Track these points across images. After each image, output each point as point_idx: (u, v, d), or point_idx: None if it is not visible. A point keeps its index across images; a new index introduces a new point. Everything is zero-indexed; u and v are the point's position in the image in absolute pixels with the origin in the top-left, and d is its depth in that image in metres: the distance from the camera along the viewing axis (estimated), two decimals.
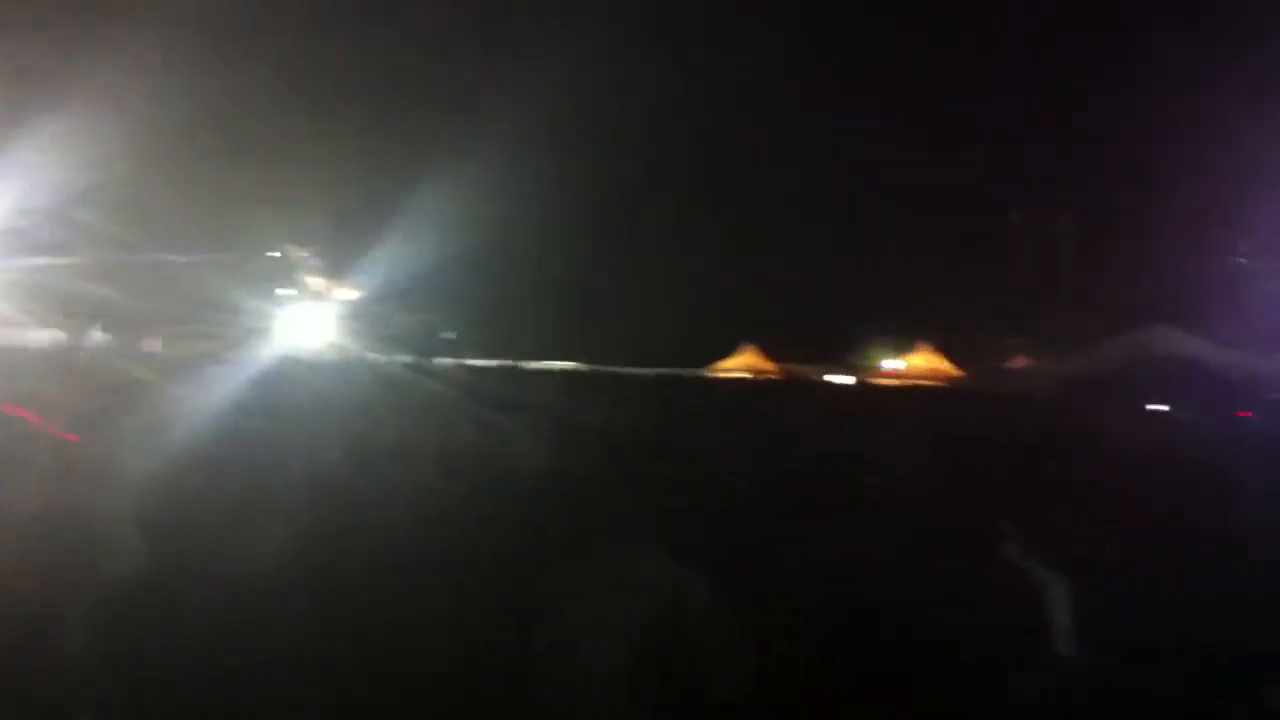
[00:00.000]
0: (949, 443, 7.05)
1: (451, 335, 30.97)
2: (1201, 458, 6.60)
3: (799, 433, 8.22)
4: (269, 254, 33.27)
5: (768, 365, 31.02)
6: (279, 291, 32.02)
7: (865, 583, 3.92)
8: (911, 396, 16.37)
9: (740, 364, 31.41)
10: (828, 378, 27.13)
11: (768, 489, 5.41)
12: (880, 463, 6.23)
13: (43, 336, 21.67)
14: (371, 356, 22.71)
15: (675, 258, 35.78)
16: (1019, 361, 27.54)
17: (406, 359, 19.80)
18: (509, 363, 22.81)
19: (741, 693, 3.63)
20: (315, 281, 34.47)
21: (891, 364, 33.22)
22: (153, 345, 21.82)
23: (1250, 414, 12.21)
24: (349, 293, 33.55)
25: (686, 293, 35.02)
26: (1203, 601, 4.01)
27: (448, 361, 20.69)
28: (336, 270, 34.14)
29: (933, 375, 29.41)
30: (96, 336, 23.52)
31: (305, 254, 34.57)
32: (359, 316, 30.85)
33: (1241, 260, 35.78)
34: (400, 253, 28.71)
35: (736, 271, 35.73)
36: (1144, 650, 3.74)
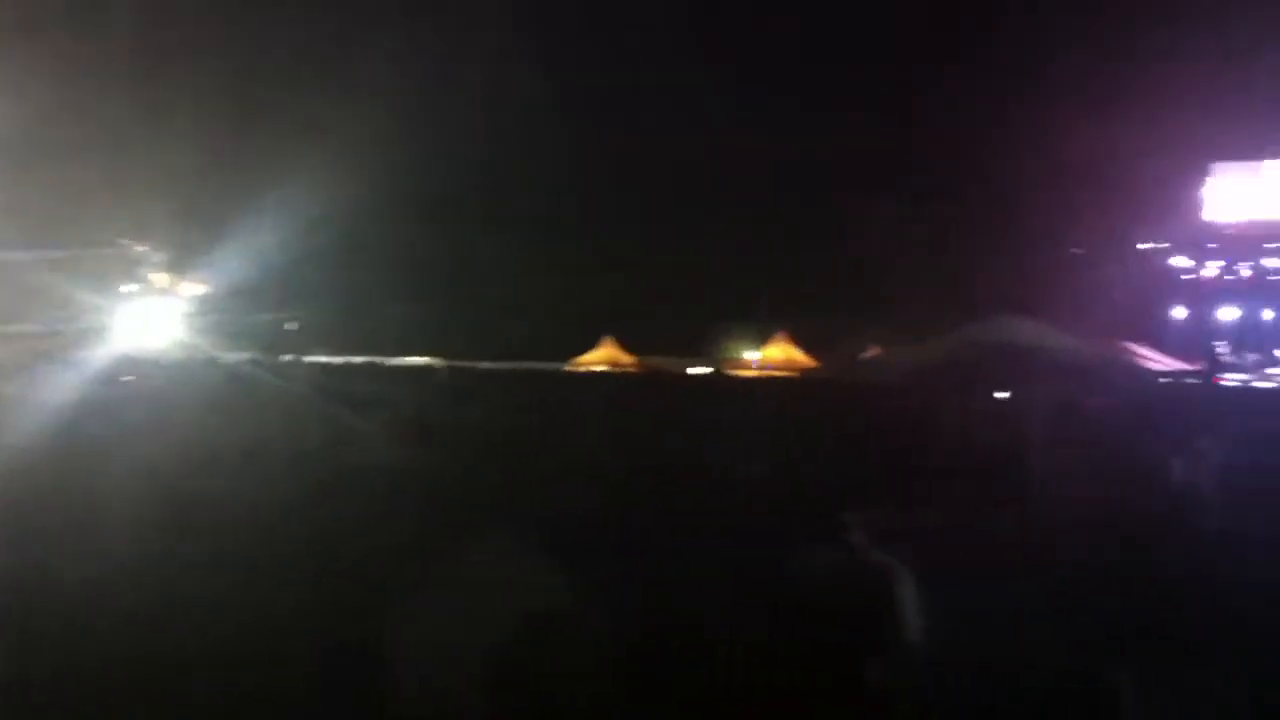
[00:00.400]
0: (796, 431, 7.11)
1: (294, 326, 30.15)
2: (1040, 441, 6.75)
3: (651, 427, 8.23)
4: (108, 248, 31.85)
5: (627, 359, 31.08)
6: (120, 288, 30.71)
7: (711, 573, 3.94)
8: (765, 387, 16.55)
9: (600, 357, 31.40)
10: (689, 370, 27.28)
11: (619, 482, 5.40)
12: (730, 453, 6.28)
13: None
14: (219, 355, 22.00)
15: (536, 251, 35.61)
16: (871, 351, 28.08)
17: (256, 357, 19.22)
18: (366, 359, 22.41)
19: (598, 685, 3.58)
20: (159, 277, 33.22)
21: (750, 355, 33.58)
22: None
23: (1097, 399, 12.65)
24: (195, 288, 32.44)
25: (547, 287, 34.88)
26: (1041, 582, 4.07)
27: (301, 359, 20.22)
28: (182, 265, 32.97)
29: (789, 365, 29.82)
30: None
31: (147, 248, 33.22)
32: (206, 313, 29.84)
33: (1079, 250, 37.28)
34: (251, 246, 27.83)
35: (597, 265, 35.74)
36: (987, 631, 3.76)
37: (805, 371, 28.25)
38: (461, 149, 33.40)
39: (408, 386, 12.52)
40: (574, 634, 3.67)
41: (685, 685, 3.56)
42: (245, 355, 19.77)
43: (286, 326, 29.54)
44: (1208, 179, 38.68)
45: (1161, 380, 20.89)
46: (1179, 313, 36.63)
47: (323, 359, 20.36)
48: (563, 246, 35.70)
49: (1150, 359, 25.07)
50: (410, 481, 5.62)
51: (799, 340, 31.83)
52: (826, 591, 3.65)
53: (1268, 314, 36.09)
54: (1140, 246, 38.59)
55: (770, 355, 31.83)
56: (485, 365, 21.77)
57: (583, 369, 29.02)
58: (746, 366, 31.57)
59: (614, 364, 30.28)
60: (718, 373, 25.85)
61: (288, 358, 19.92)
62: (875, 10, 35.24)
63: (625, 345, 31.88)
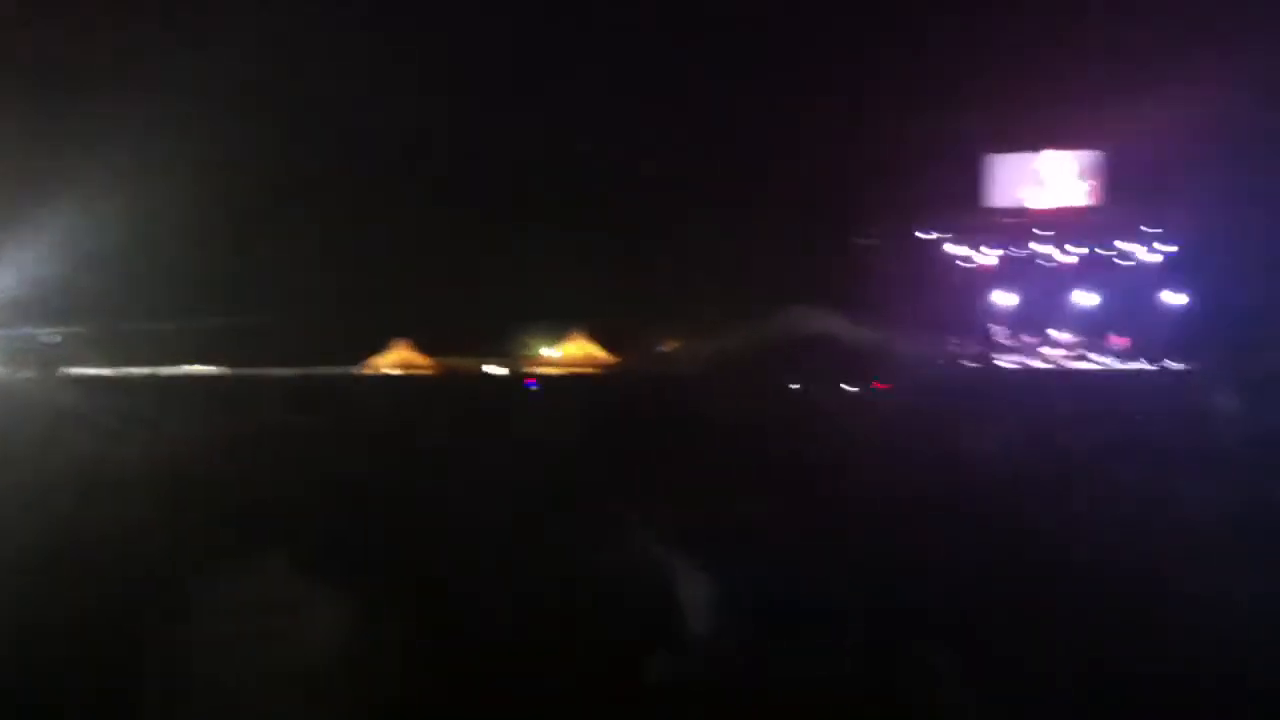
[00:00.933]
0: (585, 428, 6.97)
1: (56, 339, 28.35)
2: (830, 429, 6.77)
3: (438, 429, 7.96)
4: None
5: (422, 360, 30.45)
6: None
7: (493, 575, 3.80)
8: (561, 383, 16.36)
9: (393, 360, 30.69)
10: (486, 369, 26.94)
11: (394, 488, 5.15)
12: (516, 452, 6.08)
13: None
14: None
15: (323, 252, 34.42)
16: (669, 345, 28.26)
17: (14, 373, 17.97)
18: (140, 370, 21.28)
19: (383, 693, 3.40)
20: None
21: (549, 352, 33.40)
22: None
23: (885, 385, 12.88)
24: None
25: (337, 287, 33.74)
26: (836, 571, 3.97)
27: (68, 372, 19.02)
28: None
29: (587, 362, 29.76)
30: None
31: None
32: None
33: (864, 241, 38.34)
34: (16, 256, 26.08)
35: (388, 265, 34.70)
36: (774, 624, 3.63)
37: (603, 367, 28.25)
38: (246, 148, 32.09)
39: (180, 398, 11.81)
40: (352, 645, 3.52)
41: (471, 688, 3.46)
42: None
43: (44, 339, 27.71)
44: (985, 169, 40.27)
45: (943, 364, 21.58)
46: (959, 299, 38.01)
47: (89, 371, 19.17)
48: (355, 245, 34.58)
49: (933, 344, 25.94)
50: (165, 504, 5.15)
51: (598, 336, 31.82)
52: (609, 589, 3.51)
53: (1041, 298, 37.77)
54: (922, 235, 39.89)
55: (569, 352, 31.71)
56: (272, 372, 20.98)
57: (373, 372, 28.31)
58: (545, 364, 31.35)
59: (407, 366, 29.64)
60: (514, 372, 25.57)
61: (55, 372, 18.70)
62: (665, 6, 35.40)
63: (420, 346, 31.24)
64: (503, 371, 26.45)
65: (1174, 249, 38.27)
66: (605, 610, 3.49)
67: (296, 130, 32.22)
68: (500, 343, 32.85)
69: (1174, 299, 36.84)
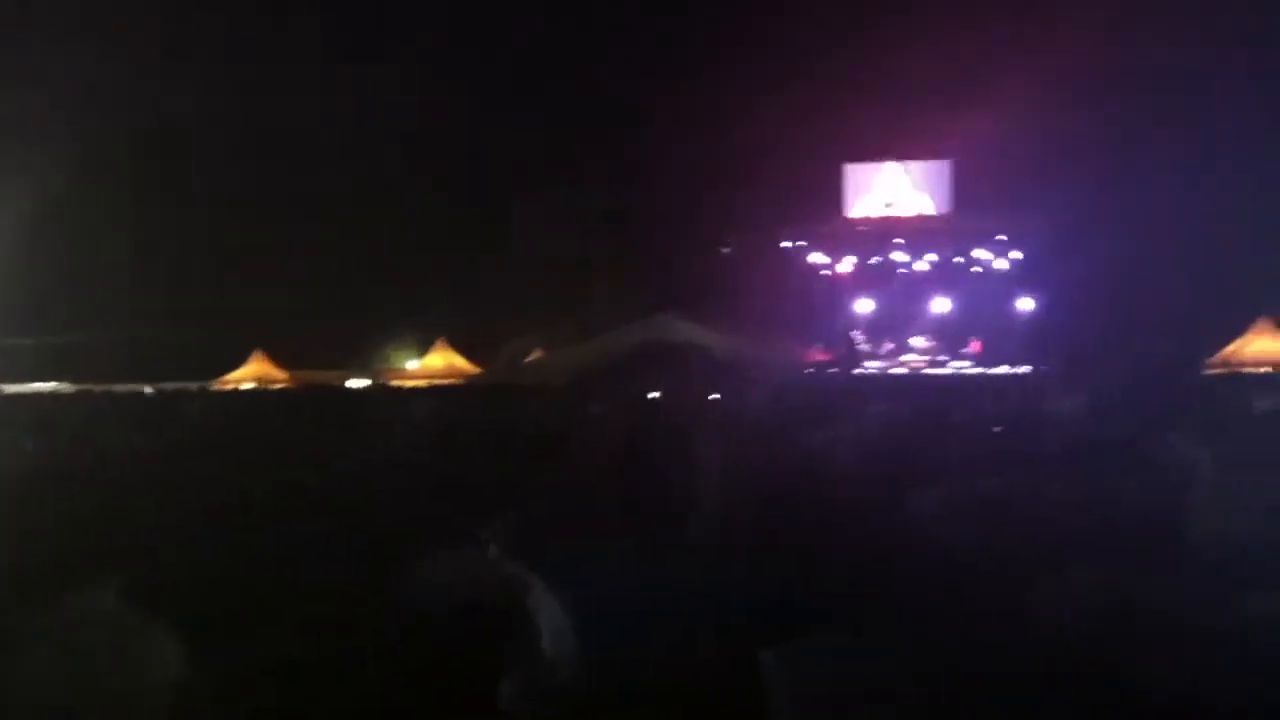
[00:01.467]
0: (441, 441, 6.86)
1: None
2: (690, 439, 6.74)
3: (289, 445, 7.72)
4: None
5: (279, 374, 29.73)
6: None
7: (343, 594, 3.50)
8: (422, 396, 16.11)
9: (250, 374, 29.90)
10: (348, 383, 26.45)
11: (240, 508, 4.95)
12: (369, 467, 5.94)
13: None
14: None
15: (175, 262, 33.31)
16: (534, 354, 28.12)
17: None
18: None
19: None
20: None
21: (412, 364, 32.99)
22: None
23: (746, 392, 12.96)
24: None
25: (193, 299, 32.68)
26: (688, 579, 3.96)
27: None
28: None
29: (450, 373, 29.43)
30: None
31: None
32: None
33: (727, 249, 38.74)
34: None
35: (245, 274, 33.74)
36: (631, 634, 3.49)
37: (466, 378, 27.97)
38: (89, 149, 30.91)
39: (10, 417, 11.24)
40: (194, 668, 3.14)
41: (322, 708, 3.24)
42: None
43: None
44: (843, 179, 41.03)
45: (805, 371, 21.88)
46: (820, 306, 38.64)
47: None
48: (208, 254, 33.53)
49: (795, 351, 26.30)
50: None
51: (460, 346, 31.49)
52: (460, 605, 3.31)
53: (898, 305, 38.62)
54: (784, 244, 40.45)
55: (431, 363, 31.31)
56: (119, 388, 20.26)
57: (229, 387, 27.53)
58: (407, 375, 30.93)
59: (264, 380, 28.92)
60: (376, 384, 25.13)
61: None
62: (526, 6, 35.22)
63: (278, 359, 30.50)
64: (364, 384, 25.96)
65: (1023, 256, 39.50)
66: (457, 632, 3.29)
67: (142, 135, 31.16)
68: (361, 354, 32.31)
69: (1024, 305, 38.04)
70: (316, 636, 3.74)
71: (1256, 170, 31.24)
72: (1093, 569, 3.96)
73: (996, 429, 6.05)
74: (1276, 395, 10.35)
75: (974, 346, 35.70)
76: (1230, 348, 28.70)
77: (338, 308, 33.28)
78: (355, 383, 26.75)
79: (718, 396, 12.34)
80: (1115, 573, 3.94)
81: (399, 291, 33.80)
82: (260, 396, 21.12)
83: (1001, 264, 39.95)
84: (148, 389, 19.71)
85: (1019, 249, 39.57)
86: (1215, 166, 32.48)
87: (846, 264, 40.64)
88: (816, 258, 40.68)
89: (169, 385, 22.70)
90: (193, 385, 25.21)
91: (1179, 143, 32.53)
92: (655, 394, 12.64)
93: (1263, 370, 22.62)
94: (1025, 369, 27.24)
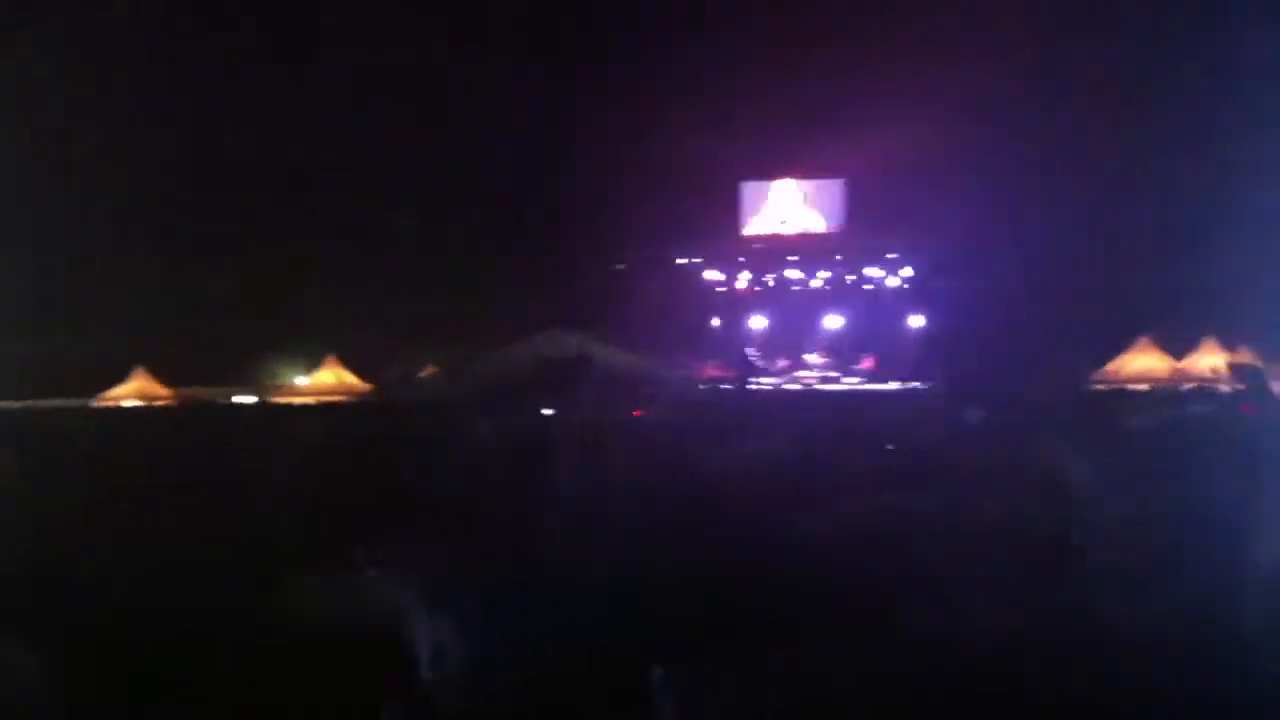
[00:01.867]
0: (319, 461, 6.65)
1: None
2: (581, 456, 6.69)
3: (163, 465, 7.43)
4: None
5: (162, 391, 28.88)
6: None
7: (219, 618, 3.46)
8: (304, 415, 15.73)
9: (132, 390, 29.00)
10: (234, 400, 25.82)
11: (118, 536, 4.74)
12: (245, 489, 5.74)
13: None
14: None
15: (57, 276, 32.05)
16: (426, 371, 27.75)
17: None
18: None
19: None
20: None
21: (300, 380, 32.35)
22: None
23: (640, 410, 12.86)
24: None
25: (74, 314, 31.46)
26: (568, 604, 3.82)
27: None
28: None
29: (340, 390, 28.91)
30: None
31: None
32: None
33: (622, 266, 38.77)
34: None
35: (128, 289, 32.58)
36: (510, 663, 3.52)
37: (356, 395, 27.48)
38: None
39: None
40: (60, 689, 3.20)
41: None
42: None
43: None
44: (739, 197, 41.34)
45: (701, 387, 21.91)
46: (715, 323, 38.88)
47: None
48: (92, 267, 32.30)
49: (689, 368, 26.35)
50: None
51: (350, 362, 30.93)
52: (340, 630, 3.20)
53: (793, 321, 38.98)
54: (679, 261, 40.62)
55: (321, 380, 30.70)
56: None
57: (110, 404, 26.67)
58: (297, 392, 30.29)
59: (147, 397, 28.07)
60: (262, 402, 24.55)
61: None
62: (431, 22, 34.85)
63: (160, 376, 29.60)
64: (251, 401, 25.35)
65: (914, 273, 40.19)
66: (336, 655, 3.16)
67: (13, 146, 30.07)
68: (249, 371, 31.57)
69: (916, 322, 38.68)
70: (189, 658, 3.60)
71: (1142, 192, 32.20)
72: (979, 583, 3.93)
73: (889, 446, 6.02)
74: (1156, 410, 10.59)
75: (867, 363, 36.17)
76: (1113, 364, 29.47)
77: (225, 323, 32.48)
78: (241, 399, 26.13)
79: (611, 413, 12.22)
80: (1002, 585, 3.92)
81: (288, 308, 33.13)
82: (140, 414, 20.48)
83: (893, 281, 40.60)
84: (17, 404, 18.98)
85: (910, 266, 40.26)
86: (1102, 187, 33.38)
87: (741, 281, 40.96)
88: (712, 274, 40.94)
89: (45, 403, 21.92)
90: (72, 402, 24.38)
91: (1066, 164, 33.37)
92: (547, 410, 12.51)
93: (1144, 387, 23.22)
94: (916, 385, 27.64)
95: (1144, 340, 29.98)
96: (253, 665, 3.22)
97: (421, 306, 32.43)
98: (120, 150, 31.30)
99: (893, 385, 29.57)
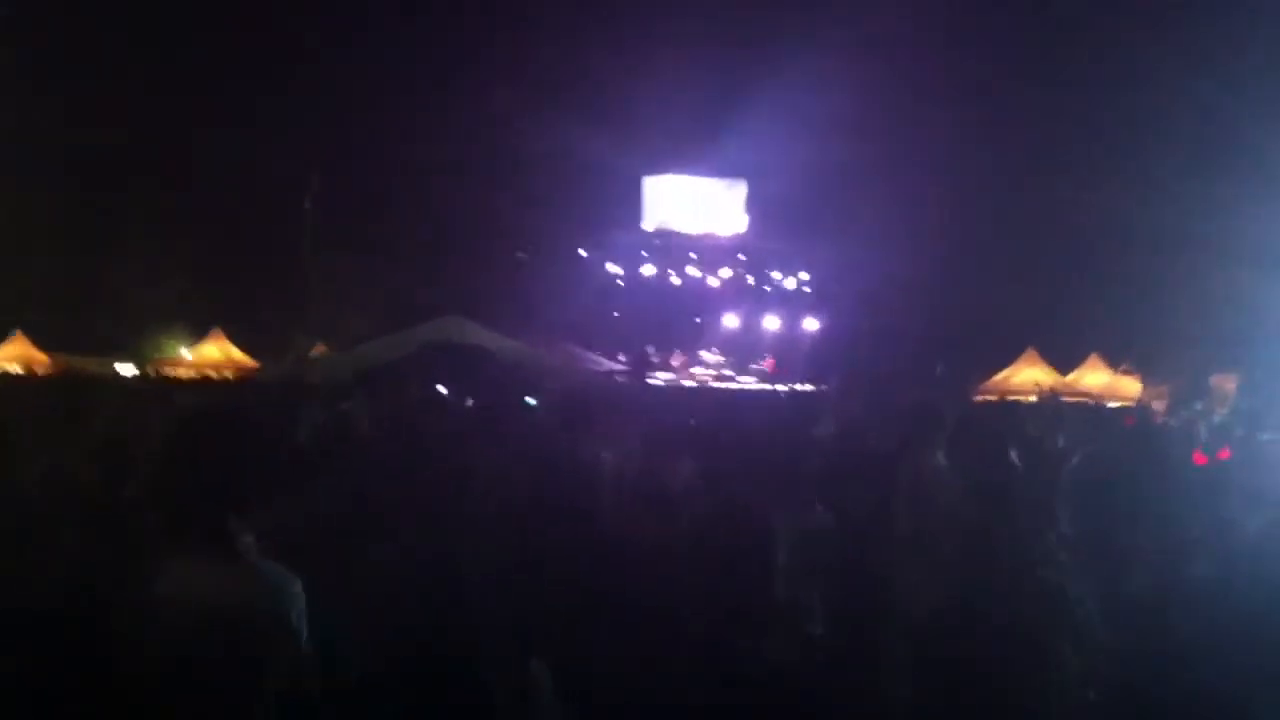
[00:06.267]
0: (192, 436, 6.55)
1: None
2: (471, 441, 6.79)
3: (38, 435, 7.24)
4: None
5: (40, 356, 27.96)
6: None
7: (97, 596, 3.72)
8: (190, 388, 15.41)
9: (9, 354, 28.05)
10: (117, 368, 25.15)
11: None
12: (113, 465, 5.65)
13: None
14: None
15: None
16: (316, 350, 27.33)
17: None
18: None
19: None
20: None
21: (184, 353, 31.63)
22: None
23: (528, 397, 12.82)
24: None
25: None
26: (448, 587, 3.86)
27: None
28: None
29: (226, 365, 28.31)
30: None
31: None
32: None
33: (523, 255, 38.66)
34: None
35: (10, 249, 31.50)
36: (390, 643, 3.53)
37: (243, 371, 26.93)
38: None
39: None
40: None
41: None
42: None
43: None
44: (641, 192, 41.43)
45: (596, 379, 21.90)
46: (614, 316, 38.87)
47: None
48: None
49: (586, 359, 26.29)
50: None
51: (238, 338, 30.27)
52: (219, 600, 3.28)
53: (691, 318, 39.14)
54: (580, 253, 40.58)
55: (206, 354, 30.00)
56: None
57: None
58: (181, 365, 29.56)
59: (24, 362, 27.12)
60: (143, 373, 23.93)
61: None
62: (335, 14, 34.53)
63: (39, 341, 28.63)
64: (133, 372, 24.66)
65: (812, 277, 40.72)
66: (212, 631, 3.26)
67: None
68: (134, 340, 30.77)
69: (811, 324, 39.16)
70: (62, 635, 3.62)
71: (1035, 206, 32.92)
72: (835, 585, 4.01)
73: (763, 444, 6.10)
74: (1040, 422, 10.88)
75: (767, 363, 36.50)
76: (1000, 375, 30.04)
77: (113, 289, 31.63)
78: (123, 369, 25.44)
79: (501, 401, 12.18)
80: (855, 587, 4.00)
81: (177, 278, 32.42)
82: (11, 380, 19.85)
83: (791, 283, 41.04)
84: None
85: (809, 270, 40.75)
86: (998, 200, 34.08)
87: (641, 276, 41.03)
88: (611, 268, 40.96)
89: None
90: None
91: (965, 176, 34.05)
92: (438, 394, 12.44)
93: (1029, 399, 23.69)
94: (808, 387, 27.90)
95: (1030, 352, 30.53)
96: (134, 635, 3.30)
97: (316, 286, 31.94)
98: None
99: (783, 387, 29.80)
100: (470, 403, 11.82)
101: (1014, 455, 4.72)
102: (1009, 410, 15.47)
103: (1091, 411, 16.96)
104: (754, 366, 36.28)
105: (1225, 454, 8.44)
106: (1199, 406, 19.56)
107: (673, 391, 23.13)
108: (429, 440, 7.15)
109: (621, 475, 5.89)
